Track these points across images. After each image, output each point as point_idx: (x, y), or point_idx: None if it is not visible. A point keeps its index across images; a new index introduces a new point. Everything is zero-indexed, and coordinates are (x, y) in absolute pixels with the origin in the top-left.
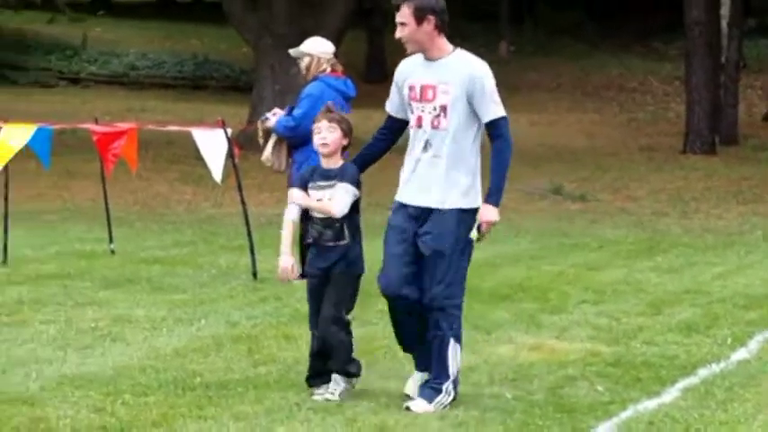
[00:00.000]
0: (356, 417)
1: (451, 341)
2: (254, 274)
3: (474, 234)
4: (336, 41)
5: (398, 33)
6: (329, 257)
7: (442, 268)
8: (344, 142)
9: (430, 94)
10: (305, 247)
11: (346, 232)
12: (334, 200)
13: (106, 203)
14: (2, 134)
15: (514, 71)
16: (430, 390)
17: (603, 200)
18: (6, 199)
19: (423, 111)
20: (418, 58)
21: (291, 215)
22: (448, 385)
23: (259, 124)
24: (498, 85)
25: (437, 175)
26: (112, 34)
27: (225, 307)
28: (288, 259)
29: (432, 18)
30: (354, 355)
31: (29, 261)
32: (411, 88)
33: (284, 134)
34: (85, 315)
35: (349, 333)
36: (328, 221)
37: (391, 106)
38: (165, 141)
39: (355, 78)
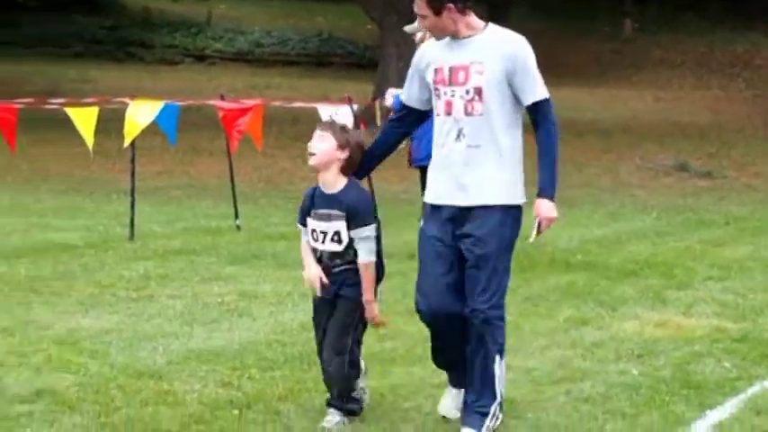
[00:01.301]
0: None
1: (497, 357)
2: None
3: (533, 235)
4: None
5: (420, 23)
6: (335, 284)
7: (485, 275)
8: (341, 156)
9: (461, 75)
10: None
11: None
12: (362, 257)
13: (232, 180)
14: (129, 111)
15: (639, 49)
16: (476, 415)
17: (730, 176)
18: (133, 175)
19: (453, 95)
20: (444, 39)
21: (305, 240)
22: (495, 407)
23: (377, 104)
24: (623, 62)
25: (475, 168)
26: (237, 11)
27: None
28: (314, 270)
29: (450, 6)
30: (361, 389)
31: (156, 237)
32: (437, 71)
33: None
34: (212, 290)
35: (354, 367)
36: (337, 255)
37: (407, 95)
38: (290, 118)
39: None
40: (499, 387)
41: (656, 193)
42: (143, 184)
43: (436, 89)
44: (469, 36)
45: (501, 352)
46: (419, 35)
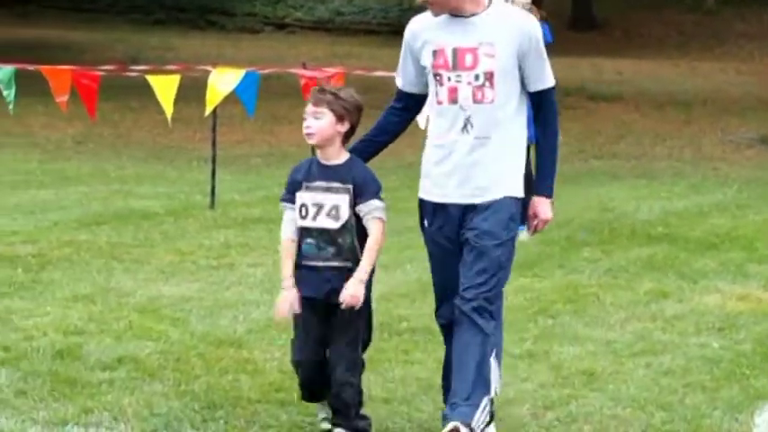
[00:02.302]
0: (562, 363)
1: (490, 350)
2: None
3: (525, 235)
4: None
5: None
6: (329, 282)
7: (484, 264)
8: (341, 128)
9: (469, 59)
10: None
11: (358, 251)
12: (372, 235)
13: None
14: (211, 78)
15: (721, 21)
16: (466, 407)
17: None
18: (214, 143)
19: (459, 81)
20: (435, 17)
21: (286, 232)
22: (486, 402)
23: None
24: (705, 34)
25: (485, 162)
26: None
27: None
28: (289, 294)
29: None
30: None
31: (236, 205)
32: (438, 54)
33: None
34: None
35: (360, 384)
36: (330, 235)
37: (404, 79)
38: (371, 86)
39: (561, 27)
40: (493, 382)
41: (738, 165)
42: (223, 152)
43: (437, 74)
44: (474, 13)
45: (493, 347)
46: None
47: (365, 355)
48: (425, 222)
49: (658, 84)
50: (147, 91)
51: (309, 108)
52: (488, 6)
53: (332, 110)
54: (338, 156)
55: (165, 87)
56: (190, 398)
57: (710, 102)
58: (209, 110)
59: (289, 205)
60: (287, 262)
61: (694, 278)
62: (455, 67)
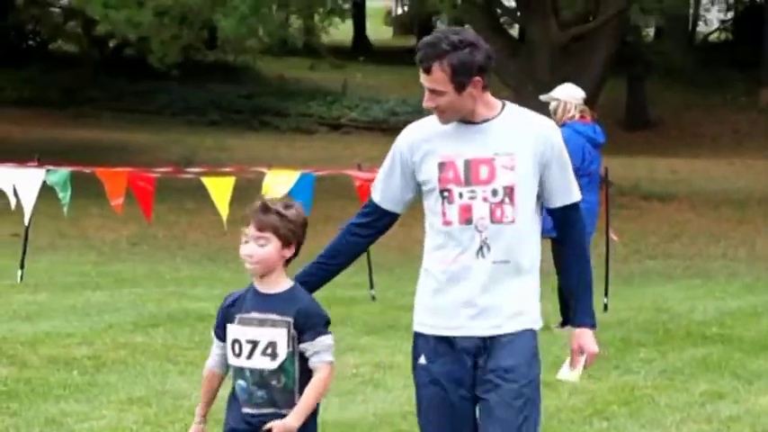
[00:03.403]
0: None
1: None
2: None
3: (571, 375)
4: (596, 88)
5: (429, 103)
6: None
7: (517, 414)
8: (287, 254)
9: (484, 171)
10: None
11: (296, 395)
12: (320, 378)
13: (367, 249)
14: (266, 180)
15: None
16: None
17: None
18: None
19: (473, 197)
20: (439, 124)
21: (209, 361)
22: None
23: None
24: (760, 133)
25: (500, 289)
26: (372, 80)
27: None
28: (198, 429)
29: (479, 80)
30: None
31: None
32: (445, 167)
33: None
34: (347, 361)
35: None
36: (262, 377)
37: (382, 194)
38: None
39: (615, 126)
40: None
41: None
42: None
43: (445, 190)
44: (486, 119)
45: None
46: (553, 104)
47: None
48: (422, 360)
49: (713, 182)
50: (203, 192)
51: (252, 232)
52: (502, 110)
53: (278, 235)
54: (278, 284)
55: (220, 189)
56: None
57: (765, 201)
58: None
59: (217, 341)
60: (203, 395)
61: (750, 379)
62: (468, 182)
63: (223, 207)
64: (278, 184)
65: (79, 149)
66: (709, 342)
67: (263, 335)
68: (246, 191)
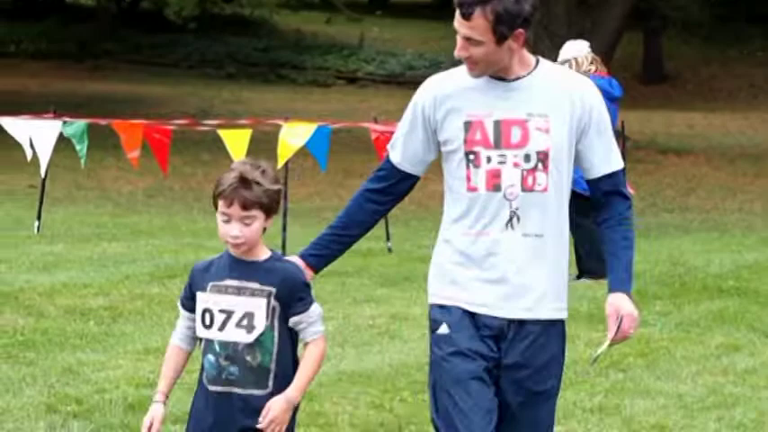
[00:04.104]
0: (633, 417)
1: None
2: None
3: (605, 346)
4: (613, 42)
5: (461, 52)
6: (236, 418)
7: (540, 420)
8: (268, 224)
9: (516, 134)
10: None
11: (271, 375)
12: (315, 353)
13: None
14: (282, 133)
15: None
16: None
17: None
18: (285, 196)
19: (503, 162)
20: (466, 77)
21: (174, 336)
22: None
23: None
24: None
25: (533, 267)
26: (389, 34)
27: None
28: (154, 409)
29: (521, 33)
30: None
31: None
32: (472, 126)
33: None
34: (363, 312)
35: None
36: (237, 351)
37: (402, 153)
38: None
39: (632, 80)
40: None
41: None
42: (294, 205)
43: (471, 152)
44: (520, 77)
45: None
46: (566, 66)
47: None
48: (443, 329)
49: (729, 137)
50: (219, 145)
51: (235, 211)
52: (536, 67)
53: (264, 209)
54: (258, 252)
55: (236, 141)
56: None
57: None
58: (280, 163)
59: (183, 311)
60: (165, 372)
61: (766, 332)
62: (498, 145)
63: (239, 159)
64: (294, 136)
65: (96, 102)
66: (725, 295)
67: (240, 304)
68: (262, 143)
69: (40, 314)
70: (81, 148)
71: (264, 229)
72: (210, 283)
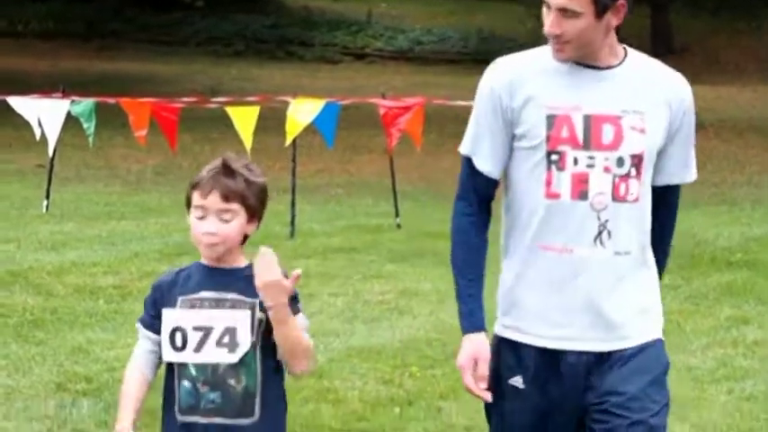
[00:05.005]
0: None
1: None
2: None
3: None
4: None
5: (553, 28)
6: None
7: None
8: (250, 230)
9: (608, 133)
10: None
11: (257, 400)
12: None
13: (392, 178)
14: (290, 109)
15: None
16: None
17: None
18: (294, 173)
19: (592, 165)
20: (546, 60)
21: (133, 363)
22: None
23: None
24: None
25: (632, 290)
26: (397, 9)
27: None
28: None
29: (623, 4)
30: None
31: (316, 234)
32: (557, 121)
33: None
34: (372, 288)
35: None
36: (217, 374)
37: (492, 159)
38: (450, 116)
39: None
40: None
41: None
42: (303, 182)
43: (555, 152)
44: (611, 65)
45: None
46: None
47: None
48: (517, 381)
49: (738, 110)
50: (227, 122)
51: (213, 202)
52: (626, 57)
53: (246, 206)
54: (237, 259)
55: (244, 118)
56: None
57: None
58: (288, 140)
59: (146, 332)
60: (125, 402)
61: None
62: (587, 145)
63: (247, 136)
64: (302, 113)
65: (104, 81)
66: (734, 268)
67: (219, 319)
68: (270, 120)
69: (50, 293)
70: (89, 126)
71: (245, 238)
72: (181, 298)
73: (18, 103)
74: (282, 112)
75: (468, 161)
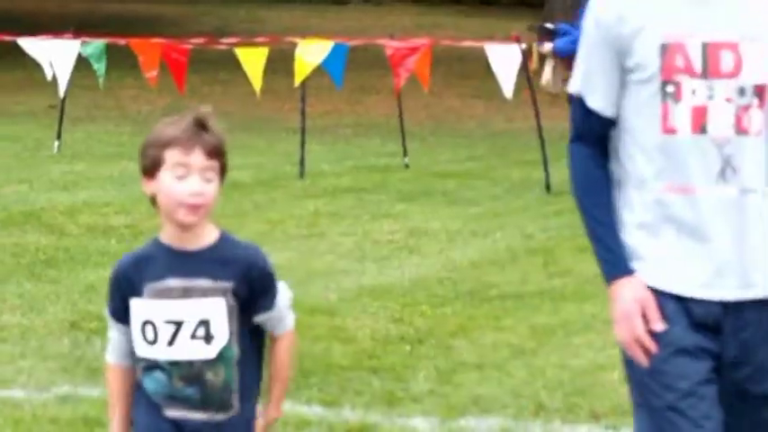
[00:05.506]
0: None
1: None
2: (548, 188)
3: None
4: None
5: None
6: None
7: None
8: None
9: (728, 60)
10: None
11: (235, 393)
12: (283, 359)
13: (400, 118)
14: (299, 51)
15: None
16: None
17: None
18: (303, 114)
19: (711, 97)
20: None
21: (111, 356)
22: None
23: (534, 47)
24: None
25: (754, 230)
26: None
27: (519, 220)
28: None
29: None
30: None
31: (325, 175)
32: (671, 50)
33: (573, 50)
34: (381, 228)
35: None
36: (193, 368)
37: (603, 96)
38: (457, 57)
39: None
40: None
41: None
42: (312, 122)
43: (670, 83)
44: None
45: None
46: None
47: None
48: (664, 323)
49: None
50: (236, 63)
51: (197, 159)
52: None
53: (222, 163)
54: (202, 236)
55: (253, 60)
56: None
57: None
58: (297, 81)
59: (117, 325)
60: (118, 401)
61: None
62: (705, 74)
63: (256, 78)
64: (311, 54)
65: (113, 22)
66: None
67: (190, 310)
68: (279, 62)
69: (62, 232)
70: (99, 67)
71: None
72: (147, 286)
73: (28, 44)
74: (291, 53)
75: (579, 101)
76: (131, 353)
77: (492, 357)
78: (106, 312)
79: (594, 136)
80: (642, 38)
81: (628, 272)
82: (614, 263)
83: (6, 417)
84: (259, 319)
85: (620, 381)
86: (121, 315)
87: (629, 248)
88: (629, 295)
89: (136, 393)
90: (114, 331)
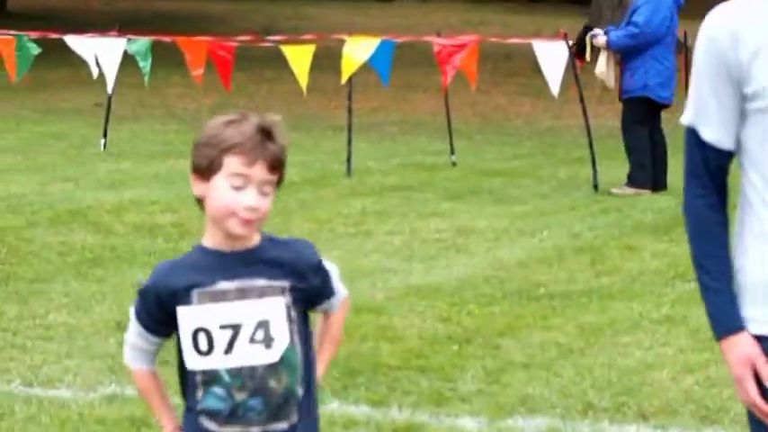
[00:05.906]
0: (700, 327)
1: None
2: (595, 186)
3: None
4: None
5: None
6: None
7: None
8: None
9: None
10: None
11: (297, 391)
12: (338, 324)
13: (447, 116)
14: (346, 48)
15: None
16: None
17: None
18: (350, 111)
19: None
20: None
21: (140, 364)
22: None
23: (587, 39)
24: None
25: None
26: None
27: (566, 218)
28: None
29: None
30: None
31: (372, 173)
32: None
33: (626, 44)
34: (429, 226)
35: None
36: (257, 377)
37: (721, 122)
38: (504, 54)
39: None
40: None
41: None
42: (358, 120)
43: None
44: None
45: None
46: None
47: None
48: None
49: None
50: (282, 61)
51: (259, 173)
52: None
53: (281, 176)
54: (250, 238)
55: (299, 57)
56: (330, 365)
57: None
58: (344, 78)
59: (147, 335)
60: (160, 403)
61: None
62: None
63: (303, 75)
64: (357, 51)
65: (159, 19)
66: None
67: (248, 312)
68: (326, 59)
69: (109, 231)
70: (145, 65)
71: None
72: (196, 291)
73: (75, 42)
74: (337, 50)
75: (692, 132)
76: (155, 359)
77: (540, 357)
78: (132, 321)
79: (711, 171)
80: (761, 63)
81: (733, 330)
82: (719, 319)
83: (53, 416)
84: (321, 308)
85: (668, 380)
86: (157, 327)
87: (753, 288)
88: (735, 359)
89: (183, 420)
90: (140, 340)
